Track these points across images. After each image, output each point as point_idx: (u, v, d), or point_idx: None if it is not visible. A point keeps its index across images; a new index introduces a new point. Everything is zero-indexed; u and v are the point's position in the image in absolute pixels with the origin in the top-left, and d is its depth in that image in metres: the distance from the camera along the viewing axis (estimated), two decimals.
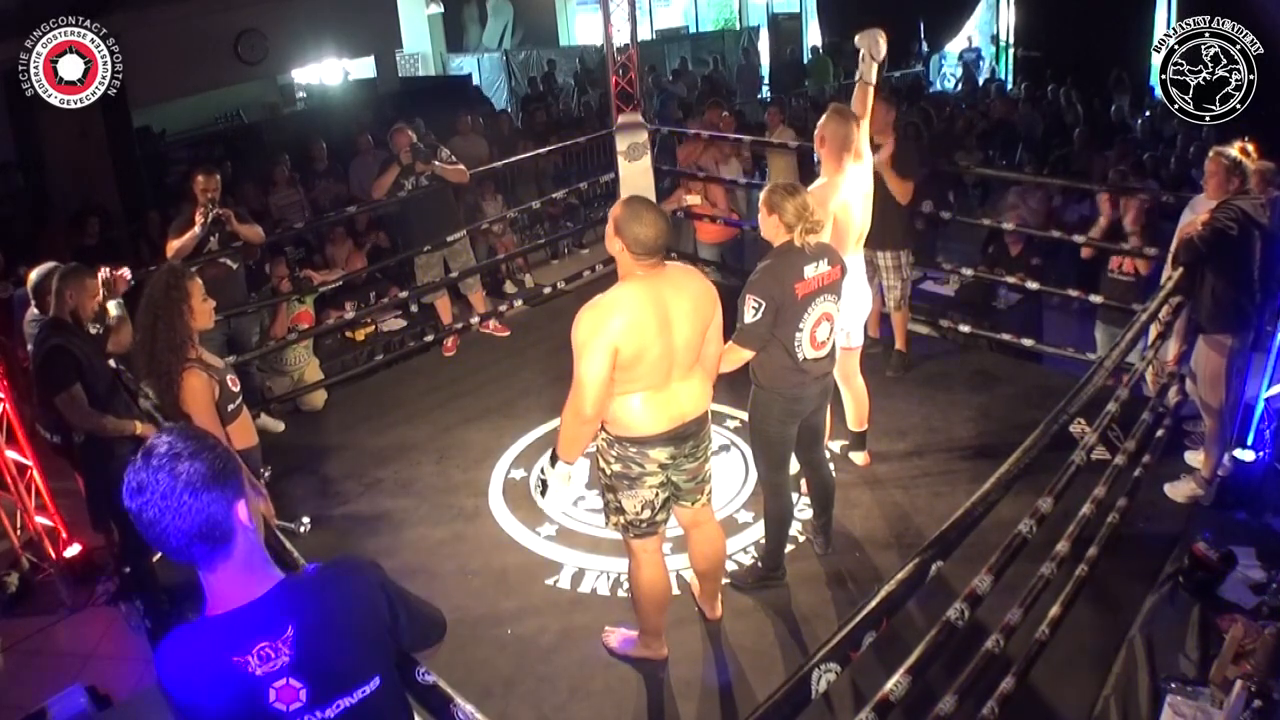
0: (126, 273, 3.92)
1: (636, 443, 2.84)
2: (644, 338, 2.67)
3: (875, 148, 4.72)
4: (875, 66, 3.92)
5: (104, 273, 3.82)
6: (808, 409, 3.37)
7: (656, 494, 2.93)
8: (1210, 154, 3.75)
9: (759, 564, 3.63)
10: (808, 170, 6.47)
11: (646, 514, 2.94)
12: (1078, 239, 5.26)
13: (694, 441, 2.93)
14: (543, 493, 2.95)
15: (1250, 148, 3.71)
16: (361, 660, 1.55)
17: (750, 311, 3.12)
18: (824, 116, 3.79)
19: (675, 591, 3.44)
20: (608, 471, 2.92)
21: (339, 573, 1.59)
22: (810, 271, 3.14)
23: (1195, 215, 3.89)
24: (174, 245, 4.83)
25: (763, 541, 3.63)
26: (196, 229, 4.80)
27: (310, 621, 1.48)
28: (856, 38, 3.97)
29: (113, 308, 3.83)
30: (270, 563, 1.54)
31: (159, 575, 3.84)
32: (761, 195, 3.23)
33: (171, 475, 1.40)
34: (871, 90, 3.93)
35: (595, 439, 2.93)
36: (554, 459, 2.87)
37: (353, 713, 1.52)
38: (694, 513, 3.12)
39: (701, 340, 2.85)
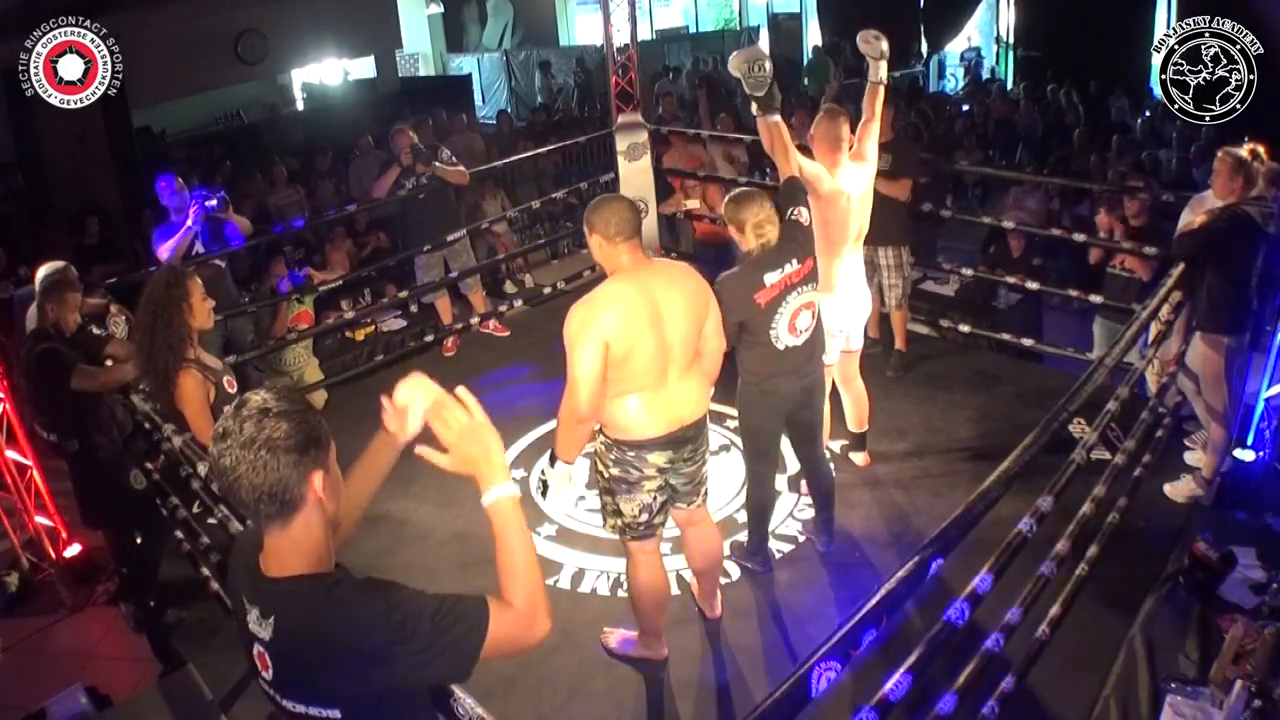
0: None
1: (634, 446, 2.84)
2: (635, 332, 2.67)
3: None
4: (883, 65, 3.91)
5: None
6: (788, 404, 3.35)
7: (654, 498, 2.93)
8: (1219, 154, 3.72)
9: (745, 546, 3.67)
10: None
11: (644, 517, 2.94)
12: (1078, 238, 5.25)
13: (692, 445, 2.92)
14: (544, 494, 2.94)
15: (1260, 149, 3.67)
16: (323, 686, 1.46)
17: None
18: (817, 117, 3.80)
19: (675, 591, 3.44)
20: (605, 475, 2.92)
21: (347, 596, 1.46)
22: (773, 278, 3.14)
23: (1194, 215, 3.89)
24: (165, 246, 4.92)
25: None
26: (189, 222, 4.91)
27: (290, 625, 1.45)
28: (858, 43, 3.96)
29: (119, 330, 3.94)
30: (325, 560, 1.49)
31: (159, 575, 3.84)
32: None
33: (256, 426, 1.39)
34: (881, 89, 3.91)
35: (594, 441, 2.93)
36: (553, 459, 2.86)
37: None
38: (689, 513, 3.12)
39: (698, 337, 2.84)
